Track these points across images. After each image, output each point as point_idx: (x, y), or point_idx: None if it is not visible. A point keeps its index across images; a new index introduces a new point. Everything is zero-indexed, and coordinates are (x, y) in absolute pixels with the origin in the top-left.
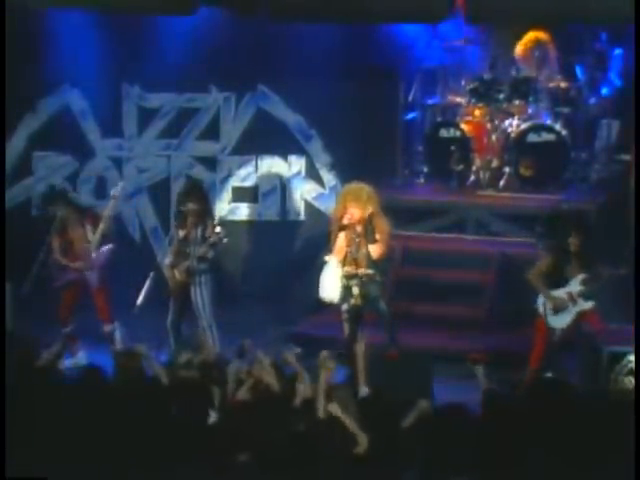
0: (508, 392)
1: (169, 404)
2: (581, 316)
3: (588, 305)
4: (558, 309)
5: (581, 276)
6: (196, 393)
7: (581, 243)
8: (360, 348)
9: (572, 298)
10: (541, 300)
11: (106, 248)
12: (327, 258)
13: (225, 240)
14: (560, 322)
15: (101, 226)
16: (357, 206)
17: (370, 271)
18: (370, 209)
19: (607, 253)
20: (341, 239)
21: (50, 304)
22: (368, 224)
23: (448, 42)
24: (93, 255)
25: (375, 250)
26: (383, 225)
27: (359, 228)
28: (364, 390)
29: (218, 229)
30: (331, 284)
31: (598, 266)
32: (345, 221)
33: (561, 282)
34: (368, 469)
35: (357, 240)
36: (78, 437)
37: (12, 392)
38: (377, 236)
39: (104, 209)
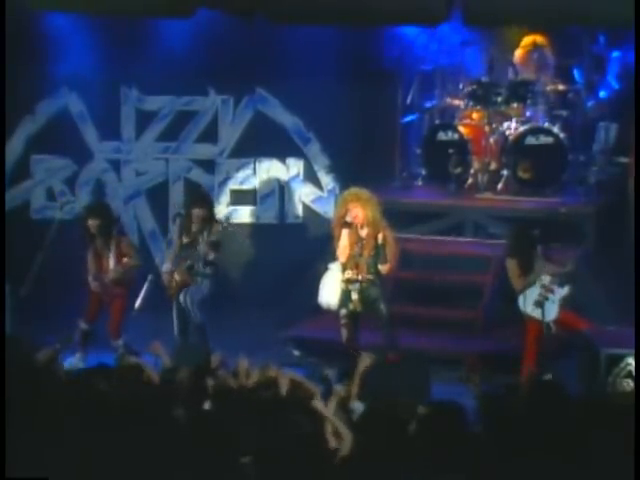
0: (505, 395)
1: (169, 406)
2: (563, 314)
3: (566, 290)
4: (541, 302)
5: (546, 269)
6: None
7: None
8: (363, 363)
9: (549, 289)
10: (520, 299)
11: (119, 290)
12: (331, 265)
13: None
14: (548, 314)
15: (119, 270)
16: (359, 205)
17: (371, 276)
18: (380, 229)
19: (605, 255)
20: (344, 238)
21: (49, 306)
22: (380, 246)
23: (446, 44)
24: (106, 283)
25: (385, 268)
26: (392, 242)
27: (363, 231)
28: (358, 406)
29: (219, 227)
30: (330, 290)
31: (562, 262)
32: (348, 219)
33: (532, 280)
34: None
35: (360, 244)
36: (79, 437)
37: (12, 392)
38: (388, 255)
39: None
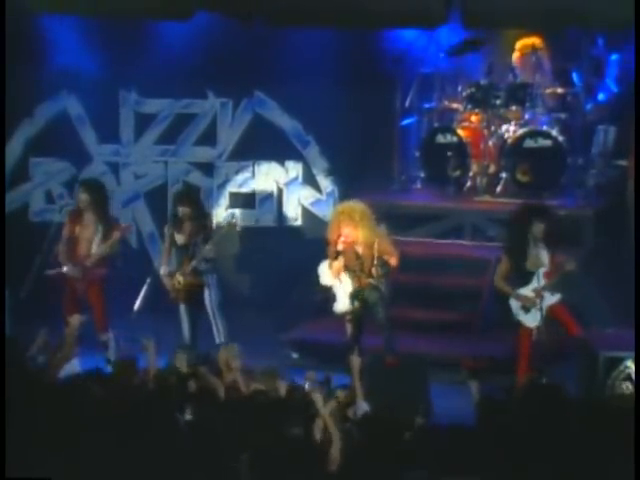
0: (504, 398)
1: (166, 407)
2: (551, 312)
3: (555, 298)
4: (528, 307)
5: (543, 269)
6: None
7: (545, 232)
8: (356, 361)
9: (538, 294)
10: (511, 301)
11: (100, 271)
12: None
13: (238, 229)
14: (532, 320)
15: (106, 246)
16: (350, 225)
17: (372, 281)
18: (374, 242)
19: (604, 258)
20: (339, 262)
21: (48, 308)
22: (377, 261)
23: (445, 47)
24: (88, 267)
25: (391, 268)
26: (387, 246)
27: (360, 249)
28: (363, 406)
29: (233, 220)
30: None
31: (560, 258)
32: (340, 247)
33: (526, 279)
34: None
35: (358, 262)
36: (77, 440)
37: (11, 394)
38: (387, 258)
39: (117, 230)
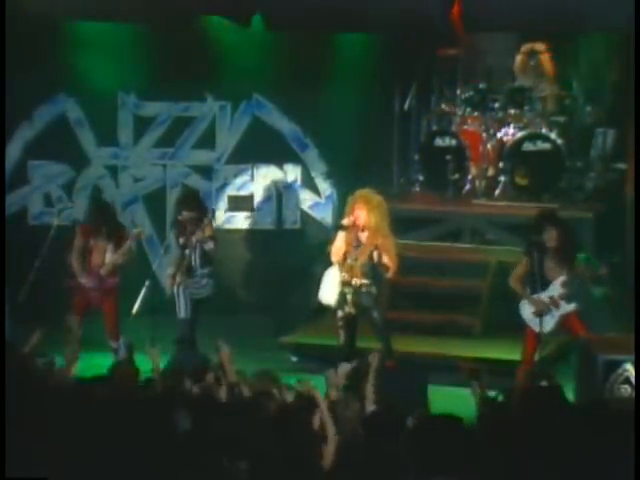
0: (503, 400)
1: (165, 410)
2: (564, 321)
3: (571, 307)
4: (540, 313)
5: (562, 278)
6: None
7: (558, 239)
8: (374, 360)
9: (555, 302)
10: (523, 305)
11: (114, 280)
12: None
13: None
14: (544, 326)
15: (119, 255)
16: (364, 209)
17: (365, 281)
18: (381, 236)
19: (604, 261)
20: (338, 240)
21: (46, 311)
22: (377, 253)
23: (444, 51)
24: (101, 276)
25: (387, 271)
26: (391, 249)
27: (362, 236)
28: (371, 407)
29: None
30: (330, 288)
31: (579, 267)
32: (345, 222)
33: (542, 285)
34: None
35: (357, 248)
36: (77, 442)
37: (11, 395)
38: (387, 263)
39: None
